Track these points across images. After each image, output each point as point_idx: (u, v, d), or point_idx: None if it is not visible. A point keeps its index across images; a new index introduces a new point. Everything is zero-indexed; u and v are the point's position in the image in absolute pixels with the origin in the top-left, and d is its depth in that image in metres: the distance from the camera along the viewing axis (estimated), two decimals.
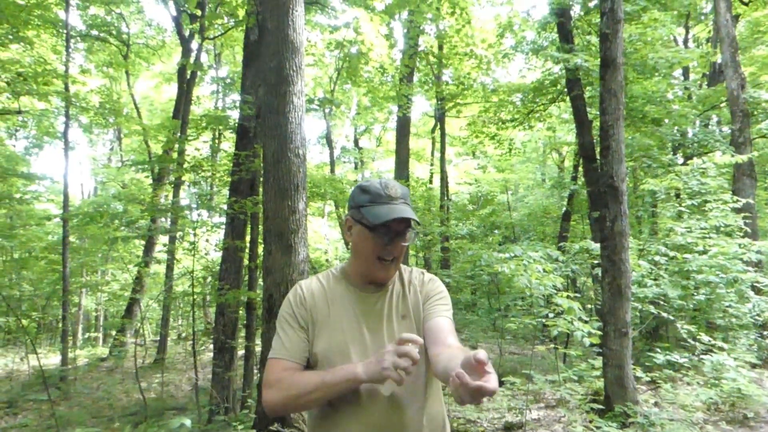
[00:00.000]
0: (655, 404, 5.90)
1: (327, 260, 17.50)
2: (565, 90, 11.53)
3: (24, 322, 10.93)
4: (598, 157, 7.63)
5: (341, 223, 19.24)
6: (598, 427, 4.46)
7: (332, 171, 20.07)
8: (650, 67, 10.33)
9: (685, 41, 15.83)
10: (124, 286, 18.04)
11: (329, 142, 21.07)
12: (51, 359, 13.76)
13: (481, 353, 1.11)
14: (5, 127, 18.95)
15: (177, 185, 13.35)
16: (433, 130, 18.87)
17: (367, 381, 1.39)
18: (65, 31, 12.18)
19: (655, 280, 7.92)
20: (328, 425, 1.56)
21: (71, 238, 12.85)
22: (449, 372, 1.18)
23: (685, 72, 15.23)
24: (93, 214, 9.65)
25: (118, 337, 14.81)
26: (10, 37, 10.81)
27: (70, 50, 12.23)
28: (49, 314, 16.53)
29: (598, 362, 6.34)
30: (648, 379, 6.73)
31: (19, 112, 11.84)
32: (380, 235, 1.56)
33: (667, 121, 11.41)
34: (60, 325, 14.08)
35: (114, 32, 16.04)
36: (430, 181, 18.89)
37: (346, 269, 1.71)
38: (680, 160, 12.20)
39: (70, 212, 11.79)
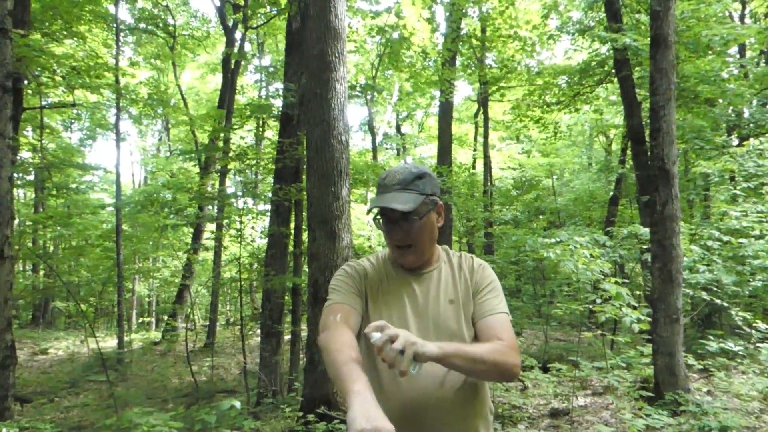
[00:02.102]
0: (708, 393, 5.74)
1: (370, 246, 17.61)
2: (613, 71, 11.19)
3: (83, 307, 11.41)
4: (647, 139, 7.40)
5: None
6: (647, 415, 4.37)
7: (375, 158, 20.09)
8: (703, 45, 9.89)
9: (742, 17, 15.08)
10: (174, 273, 18.62)
11: (371, 129, 21.09)
12: (108, 342, 14.36)
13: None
14: (61, 120, 19.73)
15: (223, 174, 13.65)
16: (476, 115, 18.64)
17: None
18: (115, 25, 12.56)
19: (708, 265, 7.66)
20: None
21: (124, 226, 13.30)
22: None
23: (741, 49, 14.53)
24: (143, 202, 9.97)
25: (169, 321, 15.31)
26: (64, 32, 11.20)
27: (119, 43, 12.62)
28: (105, 299, 17.22)
29: (648, 349, 6.20)
30: (700, 367, 6.54)
31: (73, 105, 12.27)
32: (384, 223, 1.60)
33: (721, 101, 10.94)
34: (116, 309, 14.67)
35: (161, 24, 16.41)
36: (473, 167, 18.71)
37: (389, 255, 1.74)
38: (735, 142, 11.71)
39: (122, 201, 12.21)
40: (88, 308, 15.59)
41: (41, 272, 19.27)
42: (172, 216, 11.07)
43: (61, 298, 18.75)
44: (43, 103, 13.59)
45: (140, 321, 21.57)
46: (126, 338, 12.55)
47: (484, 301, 1.60)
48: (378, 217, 1.62)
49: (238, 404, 4.28)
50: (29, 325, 19.19)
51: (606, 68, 12.17)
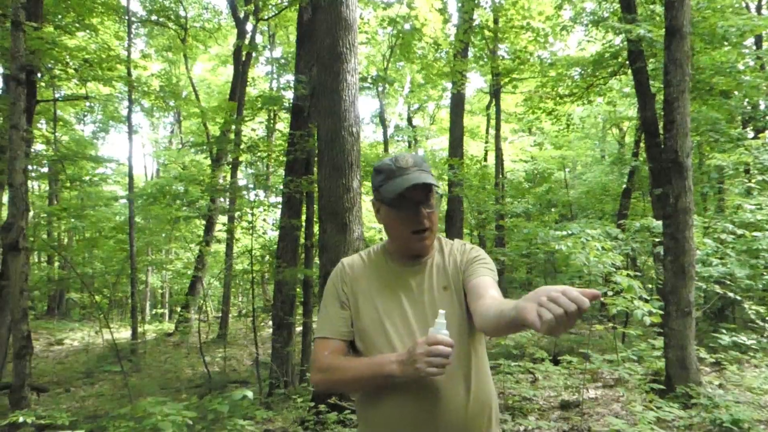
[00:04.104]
0: (720, 386, 5.71)
1: (381, 239, 17.62)
2: (627, 62, 11.07)
3: (97, 298, 11.54)
4: (661, 131, 7.33)
5: None
6: (658, 407, 4.36)
7: (386, 150, 20.07)
8: (719, 36, 9.76)
9: (758, 8, 14.85)
10: (186, 265, 18.77)
11: (383, 121, 21.06)
12: (122, 333, 14.52)
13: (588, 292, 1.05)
14: (74, 113, 19.90)
15: (234, 166, 13.71)
16: (487, 107, 18.55)
17: (404, 378, 1.39)
18: (127, 18, 12.62)
19: (721, 259, 7.59)
20: (371, 407, 1.56)
21: (137, 219, 13.43)
22: (506, 314, 1.21)
23: (758, 40, 14.31)
24: (156, 194, 10.04)
25: (182, 313, 15.45)
26: (77, 25, 11.28)
27: (131, 36, 12.68)
28: (119, 291, 17.41)
29: (659, 342, 6.17)
30: (712, 360, 6.51)
31: (86, 98, 12.37)
32: (403, 209, 1.54)
33: (736, 93, 10.80)
34: (129, 301, 14.82)
35: (172, 16, 16.47)
36: (485, 159, 18.64)
37: (386, 246, 1.71)
38: (750, 135, 11.56)
39: (135, 193, 12.31)
40: (102, 299, 15.77)
41: (56, 264, 19.51)
42: (184, 208, 11.16)
43: (76, 290, 18.97)
44: (56, 95, 13.72)
45: (153, 312, 21.79)
46: (140, 329, 12.69)
47: (474, 268, 1.59)
48: (390, 202, 1.56)
49: (250, 394, 4.32)
50: (45, 316, 19.46)
51: (620, 60, 12.05)
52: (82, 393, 8.86)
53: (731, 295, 7.14)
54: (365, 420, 1.61)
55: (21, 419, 4.21)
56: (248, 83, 15.49)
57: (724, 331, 6.85)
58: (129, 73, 11.94)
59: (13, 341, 5.60)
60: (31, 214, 14.57)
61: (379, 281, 1.63)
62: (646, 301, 5.26)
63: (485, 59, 14.99)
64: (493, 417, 1.60)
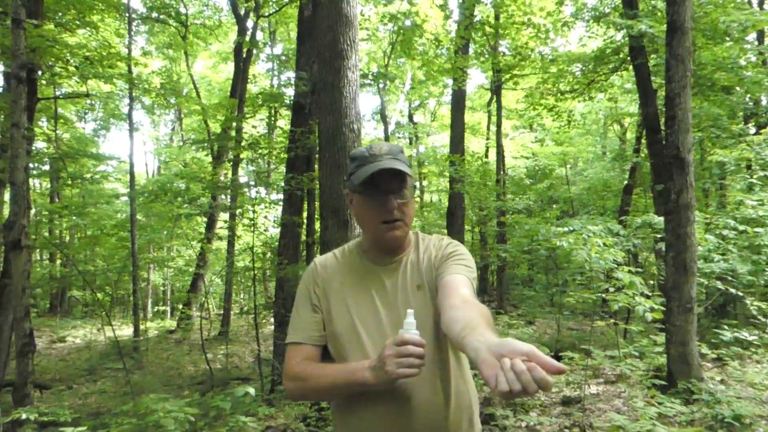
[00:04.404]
0: (721, 382, 5.71)
1: None
2: (628, 58, 11.05)
3: (99, 295, 11.57)
4: (662, 128, 7.32)
5: None
6: (660, 403, 4.37)
7: None
8: (721, 32, 9.72)
9: (761, 2, 14.80)
10: (188, 262, 18.78)
11: (383, 118, 21.05)
12: (124, 331, 14.55)
13: (526, 347, 0.93)
14: (75, 110, 19.91)
15: (236, 163, 13.70)
16: (489, 103, 18.53)
17: (379, 386, 1.32)
18: (127, 15, 12.61)
19: (723, 254, 7.59)
20: (345, 410, 1.50)
21: (138, 216, 13.44)
22: (465, 347, 1.08)
23: (760, 36, 14.27)
24: (157, 191, 10.04)
25: (184, 310, 15.48)
26: (77, 22, 11.26)
27: (132, 33, 12.67)
28: (120, 288, 17.44)
29: (661, 338, 6.18)
30: (714, 356, 6.52)
31: (87, 95, 12.37)
32: (373, 197, 1.46)
33: (738, 89, 10.77)
34: (131, 298, 14.85)
35: (173, 14, 16.45)
36: (486, 155, 18.63)
37: (361, 243, 1.63)
38: (752, 130, 11.54)
39: (136, 191, 12.32)
40: (104, 297, 15.80)
41: (58, 261, 19.55)
42: (185, 205, 11.16)
43: (78, 287, 19.01)
44: (57, 93, 13.71)
45: (155, 310, 21.82)
46: (142, 327, 12.72)
47: (448, 265, 1.49)
48: (359, 189, 1.48)
49: (252, 391, 4.33)
50: (47, 313, 19.50)
51: (621, 55, 12.02)
52: (85, 390, 8.88)
53: (733, 291, 7.14)
54: (342, 427, 1.54)
55: (24, 416, 4.22)
56: (249, 80, 15.49)
57: (725, 327, 6.85)
58: (130, 71, 11.94)
59: (15, 339, 5.62)
60: (32, 212, 14.60)
61: (353, 281, 1.56)
62: (648, 297, 5.26)
63: (486, 55, 14.97)
64: (474, 419, 1.55)
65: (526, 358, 0.90)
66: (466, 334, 1.09)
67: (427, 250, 1.57)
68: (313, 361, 1.51)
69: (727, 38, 10.16)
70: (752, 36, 13.47)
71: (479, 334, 1.06)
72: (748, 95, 11.40)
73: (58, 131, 15.22)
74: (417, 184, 1.66)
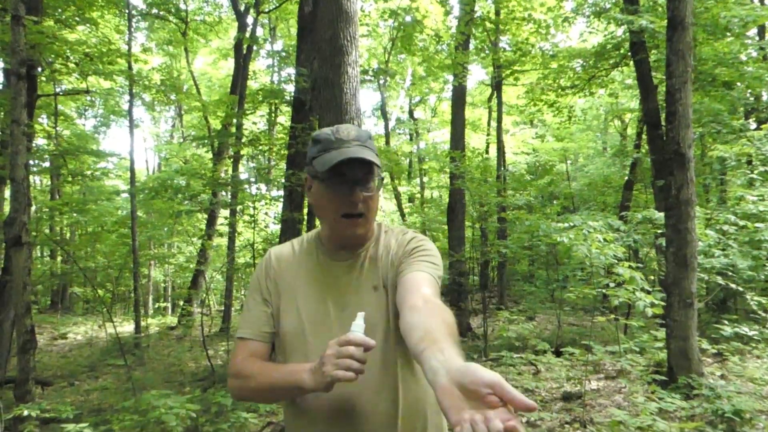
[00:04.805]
0: (722, 377, 5.72)
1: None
2: (629, 54, 11.04)
3: (100, 292, 11.58)
4: (663, 123, 7.32)
5: (396, 195, 19.31)
6: (660, 398, 4.37)
7: (387, 143, 20.07)
8: (722, 27, 9.71)
9: None
10: (189, 259, 18.80)
11: (384, 114, 21.04)
12: (125, 327, 14.57)
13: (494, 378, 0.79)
14: (75, 107, 19.89)
15: (236, 159, 13.71)
16: (489, 99, 18.50)
17: (316, 389, 1.18)
18: (127, 11, 12.57)
19: (723, 250, 7.60)
20: (295, 411, 1.38)
21: (139, 213, 13.45)
22: (422, 365, 0.94)
23: (761, 31, 14.24)
24: (157, 188, 10.04)
25: (185, 307, 15.49)
26: (77, 18, 11.25)
27: (132, 29, 12.64)
28: (121, 285, 17.46)
29: (661, 334, 6.19)
30: (714, 351, 6.53)
31: (87, 92, 12.37)
32: (335, 186, 1.31)
33: (739, 84, 10.76)
34: (132, 295, 14.87)
35: (173, 10, 16.40)
36: (487, 151, 18.62)
37: (320, 234, 1.48)
38: (753, 126, 11.53)
39: (136, 187, 12.32)
40: (105, 294, 15.82)
41: (59, 258, 19.57)
42: (186, 202, 11.17)
43: (79, 284, 19.04)
44: (57, 90, 13.71)
45: (156, 306, 21.85)
46: (143, 323, 12.72)
47: (410, 262, 1.33)
48: (321, 176, 1.33)
49: None
50: (48, 310, 19.53)
51: (622, 51, 12.01)
52: (87, 387, 8.89)
53: (733, 286, 7.15)
54: (290, 425, 1.44)
55: (26, 412, 4.24)
56: (249, 77, 15.46)
57: (726, 322, 6.86)
58: (130, 67, 11.92)
59: (16, 336, 5.63)
60: (33, 209, 14.61)
61: (306, 278, 1.42)
62: (648, 292, 5.26)
63: (487, 51, 14.94)
64: (429, 427, 1.37)
65: (490, 391, 0.78)
66: (425, 348, 0.96)
67: (387, 246, 1.42)
68: (260, 359, 1.38)
69: (728, 33, 10.14)
70: (753, 31, 13.44)
71: (439, 350, 0.93)
72: (749, 90, 11.39)
73: (58, 128, 15.21)
74: (384, 176, 1.56)
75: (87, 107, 20.90)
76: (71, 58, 10.16)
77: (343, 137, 1.32)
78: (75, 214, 14.79)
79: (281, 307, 1.41)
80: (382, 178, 1.39)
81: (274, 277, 1.44)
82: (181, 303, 17.24)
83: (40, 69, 9.70)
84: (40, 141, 13.44)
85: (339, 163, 1.27)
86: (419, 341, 1.01)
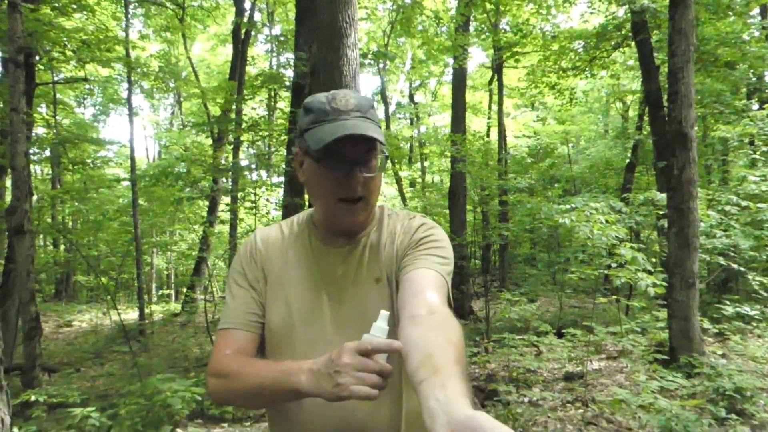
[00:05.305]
0: (723, 356, 5.75)
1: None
2: (631, 34, 10.95)
3: (103, 280, 11.64)
4: (665, 104, 7.28)
5: (398, 180, 19.29)
6: (661, 377, 4.40)
7: (387, 127, 19.99)
8: (724, 6, 9.63)
9: None
10: (191, 246, 18.83)
11: (384, 98, 20.94)
12: (129, 314, 14.66)
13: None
14: (74, 96, 19.82)
15: (236, 146, 13.67)
16: (490, 82, 18.40)
17: (315, 396, 0.97)
18: None
19: (725, 230, 7.60)
20: (283, 417, 1.20)
21: (140, 201, 13.45)
22: (419, 387, 0.80)
23: (763, 11, 14.11)
24: (158, 175, 10.05)
25: (188, 293, 15.55)
26: (74, 6, 11.16)
27: (129, 16, 12.55)
28: (125, 273, 17.52)
29: (663, 314, 6.21)
30: (716, 331, 6.56)
31: (85, 80, 12.31)
32: (331, 167, 1.12)
33: (741, 64, 10.68)
34: (135, 283, 14.93)
35: None
36: (488, 135, 18.56)
37: (313, 216, 1.29)
38: (755, 106, 11.47)
39: (137, 175, 12.32)
40: (109, 282, 15.89)
41: (62, 247, 19.63)
42: (187, 189, 11.17)
43: (82, 272, 19.12)
44: (55, 78, 13.65)
45: (160, 293, 21.95)
46: (147, 310, 12.78)
47: (417, 255, 1.16)
48: (314, 154, 1.13)
49: None
50: (53, 299, 19.64)
51: (623, 32, 11.91)
52: (93, 373, 8.96)
53: (735, 266, 7.16)
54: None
55: (33, 398, 4.28)
56: (248, 62, 15.38)
57: (727, 302, 6.88)
58: (127, 54, 11.85)
59: (22, 323, 5.67)
60: (35, 198, 14.62)
61: (297, 266, 1.23)
62: (650, 273, 5.28)
63: (487, 33, 14.83)
64: None
65: None
66: (424, 378, 0.80)
67: (392, 233, 1.23)
68: (246, 354, 1.18)
69: (730, 13, 10.06)
70: (756, 11, 13.32)
71: (441, 385, 0.77)
72: (752, 70, 11.31)
73: (57, 117, 15.18)
74: (387, 154, 1.10)
75: (86, 96, 20.83)
76: (68, 45, 10.10)
77: (340, 107, 1.12)
78: (76, 203, 14.82)
79: (267, 299, 1.22)
80: (387, 156, 1.19)
81: (260, 262, 1.24)
82: (185, 290, 17.30)
83: (38, 57, 9.66)
84: (39, 130, 13.42)
85: (335, 140, 1.07)
86: (418, 367, 0.84)
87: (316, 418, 1.13)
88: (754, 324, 6.88)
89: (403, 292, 1.09)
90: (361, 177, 1.13)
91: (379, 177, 1.20)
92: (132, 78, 13.14)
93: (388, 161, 1.24)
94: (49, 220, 16.88)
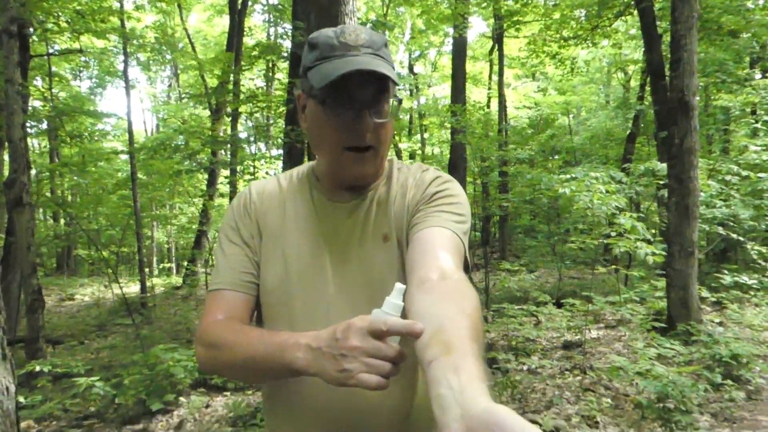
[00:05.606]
0: (720, 324, 5.81)
1: None
2: (633, 2, 10.78)
3: (105, 253, 11.69)
4: (667, 73, 7.21)
5: (397, 152, 19.22)
6: (659, 345, 4.45)
7: None
8: None
9: None
10: (191, 219, 18.86)
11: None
12: (131, 288, 14.75)
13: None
14: (69, 68, 19.62)
15: (234, 117, 13.59)
16: (490, 52, 18.19)
17: (313, 375, 0.84)
18: None
19: (725, 200, 7.60)
20: (277, 401, 1.11)
21: (139, 175, 13.42)
22: (429, 368, 0.68)
23: None
24: (156, 147, 10.01)
25: (189, 267, 15.63)
26: None
27: None
28: (125, 246, 17.59)
29: (661, 283, 6.25)
30: (714, 299, 6.61)
31: (80, 51, 12.17)
32: (337, 109, 1.00)
33: (745, 33, 10.54)
34: (136, 256, 14.99)
35: None
36: (488, 106, 18.43)
37: (315, 168, 1.17)
38: (758, 75, 11.36)
39: (135, 147, 12.27)
40: (110, 255, 15.95)
41: (62, 221, 19.66)
42: (185, 162, 11.14)
43: (83, 246, 19.19)
44: (50, 50, 13.49)
45: (161, 267, 22.06)
46: (148, 284, 12.86)
47: (429, 212, 1.03)
48: (318, 94, 1.00)
49: None
50: (54, 273, 19.75)
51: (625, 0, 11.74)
52: (96, 345, 9.05)
53: (734, 236, 7.18)
54: (272, 411, 1.14)
55: (38, 368, 4.33)
56: (245, 33, 15.16)
57: (726, 271, 6.92)
58: (123, 25, 11.69)
59: (24, 296, 5.70)
60: (33, 172, 14.57)
61: (296, 222, 1.11)
62: (650, 242, 5.29)
63: (488, 1, 14.59)
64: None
65: None
66: (434, 357, 0.68)
67: (402, 186, 1.11)
68: (240, 320, 1.06)
69: None
70: None
71: (453, 368, 0.64)
72: (755, 39, 11.17)
73: (53, 89, 15.04)
74: (402, 98, 1.37)
75: (81, 68, 20.63)
76: (62, 16, 9.95)
77: (349, 41, 0.99)
78: (75, 178, 14.78)
79: (263, 258, 1.10)
80: (400, 100, 1.06)
81: (254, 217, 1.12)
82: (185, 263, 17.38)
83: (32, 30, 9.52)
84: (36, 103, 13.31)
85: (343, 77, 0.94)
86: (428, 344, 0.71)
87: (315, 398, 1.02)
88: (752, 293, 6.93)
89: (413, 252, 0.97)
90: (371, 122, 1.00)
91: (391, 124, 1.06)
92: (128, 50, 12.98)
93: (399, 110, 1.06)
94: (49, 194, 16.86)
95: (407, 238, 1.04)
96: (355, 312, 0.86)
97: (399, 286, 0.82)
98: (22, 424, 3.84)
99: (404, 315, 0.81)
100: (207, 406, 4.30)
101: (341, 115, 1.00)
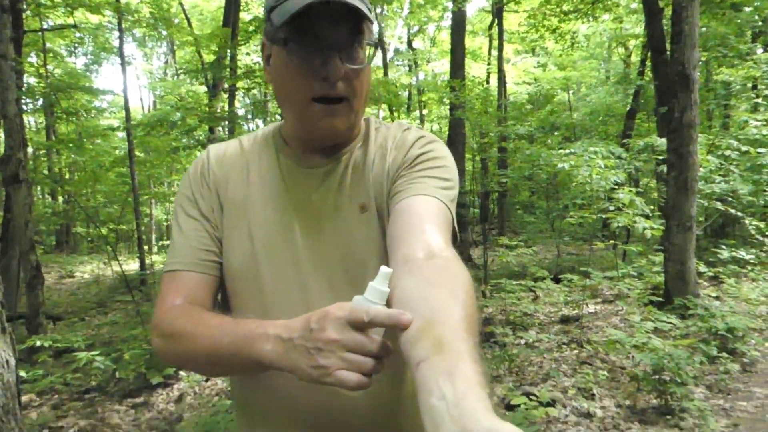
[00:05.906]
0: (717, 298, 5.84)
1: None
2: None
3: (103, 231, 11.70)
4: (668, 48, 7.14)
5: None
6: (656, 318, 4.48)
7: (385, 74, 19.64)
8: None
9: None
10: None
11: (381, 44, 20.47)
12: (131, 265, 14.78)
13: None
14: (64, 44, 19.40)
15: (232, 94, 13.47)
16: (490, 27, 17.98)
17: (282, 369, 0.73)
18: None
19: (724, 176, 7.59)
20: (248, 396, 0.99)
21: (136, 152, 13.36)
22: (417, 369, 0.57)
23: None
24: (153, 123, 9.95)
25: None
26: None
27: None
28: (123, 223, 17.59)
29: (659, 258, 6.27)
30: (711, 274, 6.64)
31: (74, 26, 12.00)
32: (302, 51, 0.84)
33: (748, 7, 10.40)
34: (135, 233, 15.00)
35: None
36: (487, 81, 18.27)
37: (282, 129, 1.02)
38: (760, 50, 11.24)
39: (132, 124, 12.18)
40: (109, 233, 15.96)
41: (60, 199, 19.63)
42: (183, 139, 11.07)
43: (82, 224, 19.19)
44: (44, 26, 13.31)
45: (160, 244, 22.09)
46: (147, 261, 12.89)
47: (409, 181, 0.91)
48: (280, 36, 0.86)
49: None
50: (54, 250, 19.78)
51: None
52: (97, 322, 9.11)
53: (732, 211, 7.19)
54: (242, 407, 1.03)
55: (38, 343, 4.36)
56: (241, 8, 14.95)
57: (723, 246, 6.94)
58: (117, 0, 11.51)
59: (23, 273, 5.71)
60: (30, 150, 14.50)
61: (262, 189, 0.97)
62: (648, 217, 5.30)
63: None
64: None
65: None
66: (424, 357, 0.57)
67: (381, 147, 0.98)
68: (200, 304, 0.92)
69: None
70: None
71: (447, 372, 0.53)
72: (757, 13, 11.04)
73: (48, 66, 14.88)
74: (377, 42, 0.84)
75: (76, 44, 20.40)
76: None
77: None
78: (73, 156, 14.72)
79: (225, 233, 0.97)
80: (377, 44, 0.91)
81: (214, 186, 0.98)
82: None
83: (24, 5, 9.38)
84: (31, 80, 13.18)
85: (309, 10, 0.79)
86: (416, 339, 0.60)
87: (291, 393, 0.89)
88: (749, 268, 6.96)
89: (395, 226, 0.84)
90: (342, 67, 0.84)
91: (367, 73, 0.91)
92: (123, 25, 12.81)
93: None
94: (46, 171, 16.81)
95: (388, 208, 0.91)
96: (333, 291, 0.80)
97: (384, 269, 0.70)
98: (24, 398, 3.88)
99: (387, 302, 0.70)
100: (207, 380, 4.34)
101: (307, 60, 0.84)
